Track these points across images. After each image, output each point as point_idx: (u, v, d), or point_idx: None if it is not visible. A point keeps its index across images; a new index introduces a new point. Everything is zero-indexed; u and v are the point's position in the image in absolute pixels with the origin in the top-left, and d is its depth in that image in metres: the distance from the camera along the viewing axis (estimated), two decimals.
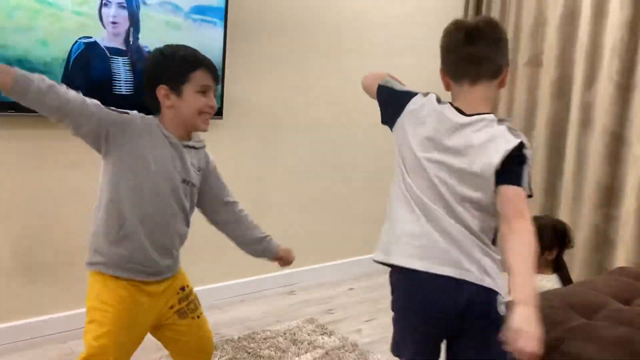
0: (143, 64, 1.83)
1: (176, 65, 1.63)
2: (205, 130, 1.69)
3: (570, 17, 3.48)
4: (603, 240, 3.34)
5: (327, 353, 2.51)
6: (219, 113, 2.80)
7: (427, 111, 1.51)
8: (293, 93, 3.22)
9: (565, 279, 2.23)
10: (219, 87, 2.78)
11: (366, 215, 3.69)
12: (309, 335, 2.67)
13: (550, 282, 2.17)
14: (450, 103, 1.51)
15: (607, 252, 3.33)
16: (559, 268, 2.25)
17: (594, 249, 3.35)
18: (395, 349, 1.58)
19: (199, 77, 1.62)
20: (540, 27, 3.63)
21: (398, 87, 1.67)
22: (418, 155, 1.48)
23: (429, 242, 1.44)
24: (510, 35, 3.79)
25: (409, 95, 1.59)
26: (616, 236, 3.28)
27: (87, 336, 1.58)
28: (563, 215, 3.42)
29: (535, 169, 3.68)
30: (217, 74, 1.68)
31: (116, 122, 1.59)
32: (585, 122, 3.41)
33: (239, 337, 2.62)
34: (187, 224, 1.73)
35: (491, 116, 1.46)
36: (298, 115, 3.25)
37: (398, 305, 1.55)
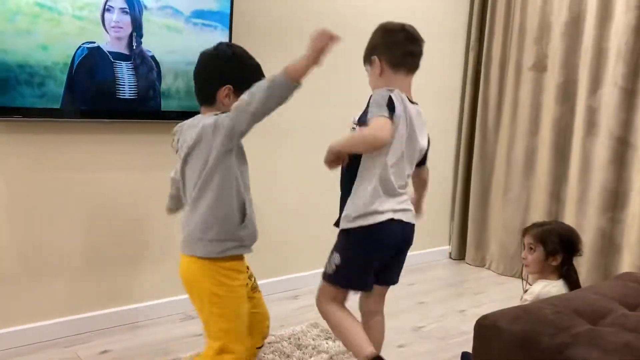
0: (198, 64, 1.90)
1: (247, 72, 1.82)
2: None
3: (575, 22, 3.47)
4: (609, 245, 3.33)
5: (331, 358, 2.50)
6: None
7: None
8: (296, 97, 3.22)
9: (574, 286, 2.19)
10: None
11: None
12: (313, 339, 2.66)
13: (555, 287, 2.15)
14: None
15: (613, 257, 3.32)
16: (568, 275, 2.21)
17: (599, 253, 3.34)
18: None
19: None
20: (545, 32, 3.63)
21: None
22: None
23: None
24: (514, 39, 3.78)
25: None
26: (622, 240, 3.27)
27: None
28: (568, 219, 3.41)
29: (539, 173, 3.68)
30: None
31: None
32: (590, 126, 3.40)
33: None
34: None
35: None
36: (302, 119, 3.25)
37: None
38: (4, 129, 2.36)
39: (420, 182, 2.20)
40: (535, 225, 2.29)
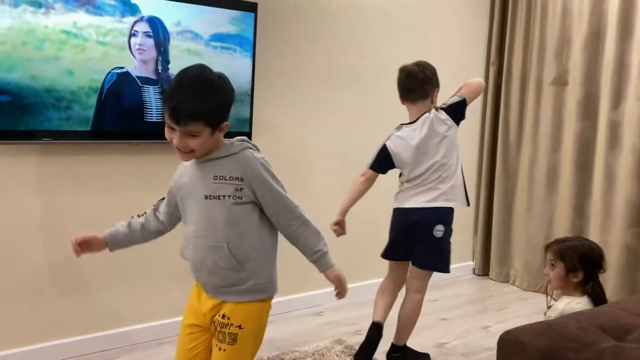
0: None
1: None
2: (183, 159, 1.63)
3: (595, 36, 3.48)
4: (634, 260, 3.29)
5: None
6: (248, 137, 2.86)
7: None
8: (317, 117, 3.28)
9: (599, 302, 2.16)
10: (248, 112, 2.85)
11: None
12: (337, 356, 2.67)
13: (580, 304, 2.12)
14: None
15: (639, 272, 3.28)
16: (593, 291, 2.18)
17: (625, 269, 3.30)
18: None
19: (166, 113, 1.55)
20: (565, 47, 3.64)
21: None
22: None
23: None
24: (534, 54, 3.80)
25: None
26: None
27: None
28: (593, 234, 3.38)
29: (563, 188, 3.66)
30: (180, 116, 1.50)
31: (169, 193, 1.76)
32: (613, 140, 3.39)
33: (268, 358, 2.64)
34: (235, 242, 1.63)
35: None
36: (324, 138, 3.30)
37: None
38: (37, 151, 2.44)
39: None
40: (556, 241, 2.28)
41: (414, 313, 2.60)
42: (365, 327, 3.09)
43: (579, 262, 2.14)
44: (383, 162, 2.56)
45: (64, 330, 2.58)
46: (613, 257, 3.28)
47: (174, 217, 1.77)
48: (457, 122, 2.55)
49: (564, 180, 3.64)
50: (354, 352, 2.70)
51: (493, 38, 4.05)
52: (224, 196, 1.60)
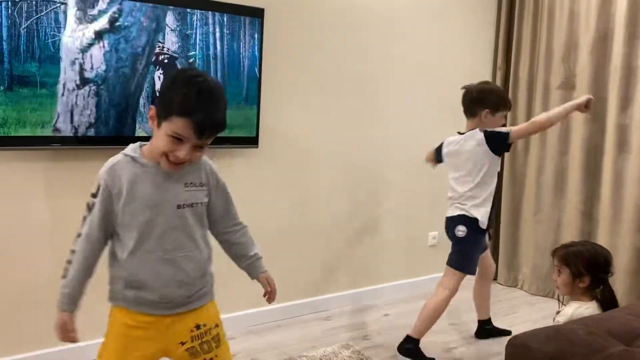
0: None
1: (171, 96, 1.44)
2: (169, 170, 1.51)
3: (602, 40, 3.47)
4: None
5: None
6: (254, 142, 2.88)
7: None
8: (323, 121, 3.28)
9: (609, 307, 2.14)
10: (254, 117, 2.86)
11: (401, 241, 3.70)
12: None
13: (589, 309, 2.11)
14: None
15: None
16: (602, 296, 2.16)
17: (635, 273, 3.28)
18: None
19: (179, 125, 1.42)
20: (572, 50, 3.63)
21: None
22: None
23: None
24: (541, 58, 3.79)
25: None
26: None
27: None
28: (602, 238, 3.37)
29: (571, 192, 3.65)
30: (205, 130, 1.44)
31: (105, 204, 1.51)
32: (622, 144, 3.37)
33: None
34: (201, 247, 1.60)
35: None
36: (329, 142, 3.31)
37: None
38: (45, 157, 2.46)
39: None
40: (562, 246, 2.26)
41: (436, 307, 2.70)
42: (372, 332, 3.10)
43: (584, 268, 2.13)
44: (438, 150, 2.89)
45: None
46: (622, 261, 3.26)
47: (108, 232, 1.54)
48: (493, 151, 2.64)
49: (572, 184, 3.63)
50: (362, 357, 2.69)
51: (500, 42, 4.05)
52: (196, 203, 1.56)
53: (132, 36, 2.49)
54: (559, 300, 2.30)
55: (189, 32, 2.62)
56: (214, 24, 2.68)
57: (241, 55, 2.79)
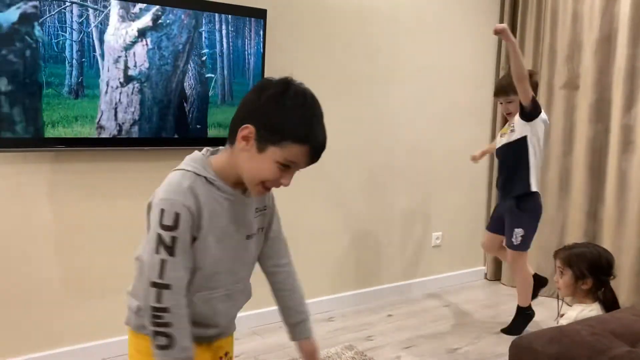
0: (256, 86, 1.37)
1: (282, 119, 1.22)
2: (256, 197, 1.34)
3: (606, 40, 3.46)
4: None
5: None
6: None
7: None
8: (327, 122, 3.28)
9: (611, 308, 2.13)
10: None
11: (405, 242, 3.69)
12: None
13: (593, 312, 2.10)
14: None
15: None
16: (604, 298, 2.16)
17: (639, 275, 3.27)
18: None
19: (294, 152, 1.22)
20: (576, 51, 3.62)
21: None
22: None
23: None
24: (545, 58, 3.78)
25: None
26: None
27: None
28: (606, 239, 3.36)
29: (575, 193, 3.64)
30: (319, 156, 1.27)
31: (189, 237, 1.23)
32: (626, 144, 3.36)
33: None
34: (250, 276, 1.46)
35: None
36: (332, 141, 3.30)
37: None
38: (49, 159, 2.47)
39: None
40: (565, 248, 2.25)
41: (516, 277, 3.26)
42: (375, 332, 3.10)
43: (587, 270, 2.11)
44: None
45: (78, 336, 2.59)
46: (627, 262, 3.25)
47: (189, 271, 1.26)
48: (526, 119, 2.95)
49: (577, 185, 3.62)
50: (365, 357, 2.69)
51: (503, 43, 4.04)
52: (260, 229, 1.39)
53: (173, 34, 2.55)
54: (559, 300, 2.30)
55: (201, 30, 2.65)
56: (220, 21, 2.70)
57: (246, 53, 2.80)
